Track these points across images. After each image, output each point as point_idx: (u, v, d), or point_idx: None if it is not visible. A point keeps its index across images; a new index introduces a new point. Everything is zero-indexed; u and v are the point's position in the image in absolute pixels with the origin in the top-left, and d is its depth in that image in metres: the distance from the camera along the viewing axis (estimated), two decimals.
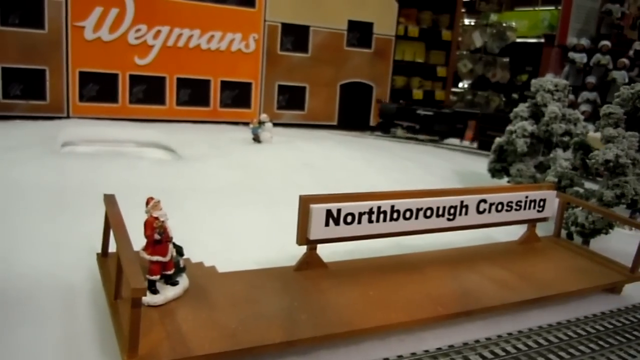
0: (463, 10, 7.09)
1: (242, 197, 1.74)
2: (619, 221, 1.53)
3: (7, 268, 1.18)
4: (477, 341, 1.02)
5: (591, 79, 4.64)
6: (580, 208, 1.65)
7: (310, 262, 1.20)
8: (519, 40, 7.27)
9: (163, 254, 0.97)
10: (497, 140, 2.26)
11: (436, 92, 6.78)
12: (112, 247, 1.12)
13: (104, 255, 1.15)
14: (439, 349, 0.98)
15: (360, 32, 4.21)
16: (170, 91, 3.56)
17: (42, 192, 1.57)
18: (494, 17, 7.30)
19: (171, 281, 1.00)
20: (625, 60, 4.48)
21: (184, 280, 1.03)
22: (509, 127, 2.18)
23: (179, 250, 1.03)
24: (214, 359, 0.87)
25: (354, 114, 4.25)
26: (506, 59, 7.28)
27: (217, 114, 3.71)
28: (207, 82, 3.69)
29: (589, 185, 1.85)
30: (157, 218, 0.96)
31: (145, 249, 0.97)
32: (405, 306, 1.09)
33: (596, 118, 4.22)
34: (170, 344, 0.86)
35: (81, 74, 3.29)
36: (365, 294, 1.12)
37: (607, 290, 1.39)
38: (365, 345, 0.99)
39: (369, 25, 4.24)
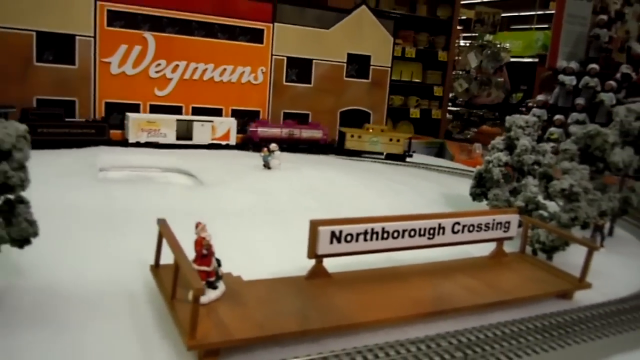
0: (460, 27, 7.38)
1: (258, 218, 2.03)
2: (572, 240, 1.82)
3: (76, 276, 1.46)
4: (447, 332, 1.31)
5: (580, 101, 4.93)
6: (542, 229, 1.94)
7: (317, 273, 1.49)
8: (513, 59, 7.56)
9: (208, 265, 1.26)
10: (477, 168, 2.56)
11: (433, 111, 7.07)
12: (162, 260, 1.41)
13: (156, 266, 1.43)
14: (418, 337, 1.26)
15: (358, 64, 4.53)
16: None
17: (93, 214, 1.85)
18: (488, 38, 7.53)
19: (213, 286, 1.28)
20: (613, 83, 4.77)
21: (221, 286, 1.31)
22: (487, 157, 2.48)
23: (219, 262, 1.31)
24: (248, 342, 1.15)
25: None
26: (501, 79, 7.59)
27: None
28: (220, 110, 4.00)
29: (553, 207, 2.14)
30: (204, 238, 1.26)
31: (194, 261, 1.26)
32: (393, 307, 1.38)
33: None
34: (217, 331, 1.14)
35: (107, 104, 3.60)
36: (361, 297, 1.41)
37: (560, 296, 1.68)
38: (362, 335, 1.28)
39: (367, 58, 4.55)
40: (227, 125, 3.79)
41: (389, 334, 1.29)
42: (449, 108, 7.47)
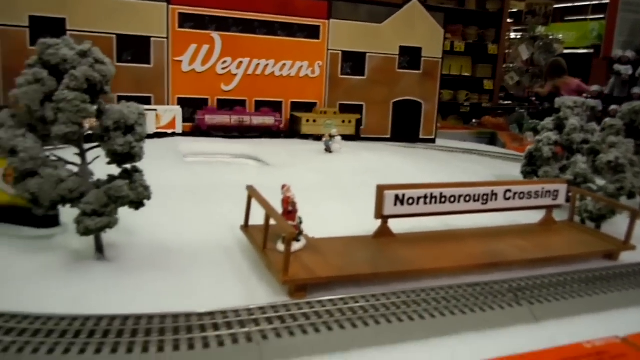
0: (510, 20, 7.30)
1: (324, 193, 2.26)
2: (617, 207, 1.94)
3: (178, 235, 1.72)
4: (500, 280, 1.48)
5: (637, 90, 4.85)
6: (590, 199, 2.07)
7: (383, 232, 1.69)
8: (567, 51, 7.39)
9: (293, 220, 1.49)
10: (528, 148, 2.69)
11: (483, 105, 7.08)
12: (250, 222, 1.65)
13: (246, 226, 1.68)
14: (473, 282, 1.44)
15: (410, 56, 4.67)
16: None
17: (184, 188, 2.12)
18: (541, 30, 7.44)
19: (297, 239, 1.51)
20: None
21: (303, 240, 1.54)
22: (537, 137, 2.61)
23: (300, 220, 1.54)
24: (330, 280, 1.37)
25: (405, 128, 4.71)
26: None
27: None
28: (280, 103, 4.25)
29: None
30: (289, 197, 1.48)
31: (284, 215, 1.49)
32: (450, 258, 1.57)
33: None
34: (304, 271, 1.37)
35: (179, 99, 3.91)
36: (422, 252, 1.60)
37: (606, 257, 1.82)
38: (424, 280, 1.47)
39: (418, 50, 4.69)
40: (172, 113, 3.68)
41: (447, 281, 1.48)
42: (500, 102, 7.45)
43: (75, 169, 1.42)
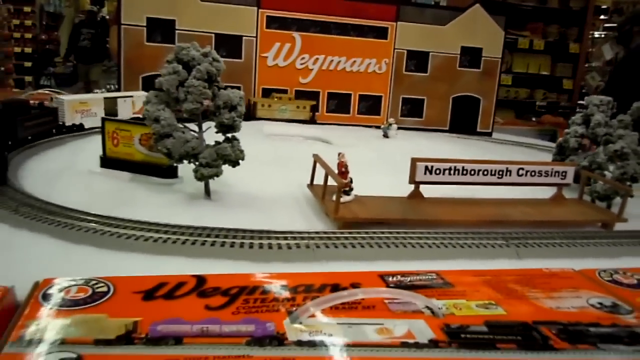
0: (598, 17, 7.12)
1: (376, 167, 2.74)
2: (616, 187, 2.29)
3: (262, 189, 2.26)
4: (499, 232, 1.91)
5: None
6: (599, 182, 2.42)
7: (415, 194, 2.15)
8: None
9: (345, 178, 1.98)
10: (559, 140, 3.03)
11: (561, 104, 7.10)
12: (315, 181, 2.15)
13: (311, 184, 2.19)
14: (478, 231, 1.88)
15: (470, 56, 5.02)
16: (323, 102, 4.67)
17: (266, 158, 2.67)
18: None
19: (347, 193, 2.00)
20: None
21: (352, 194, 2.03)
22: (566, 130, 2.95)
23: (351, 179, 2.03)
24: (368, 220, 1.86)
25: (463, 121, 5.07)
26: None
27: (355, 119, 4.75)
28: (349, 95, 4.74)
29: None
30: (343, 161, 1.98)
31: (338, 175, 1.99)
32: (465, 215, 2.01)
33: None
34: (350, 213, 1.86)
35: (263, 89, 4.51)
36: (444, 209, 2.05)
37: (603, 226, 2.18)
38: (440, 227, 1.92)
39: (479, 50, 5.03)
40: (141, 99, 3.86)
41: (458, 229, 1.92)
42: (578, 102, 7.43)
43: (196, 135, 1.99)
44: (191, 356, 0.93)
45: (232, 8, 4.31)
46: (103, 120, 2.32)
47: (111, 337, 0.97)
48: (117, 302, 1.10)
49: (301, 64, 4.53)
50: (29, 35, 10.97)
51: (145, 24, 4.17)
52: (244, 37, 4.39)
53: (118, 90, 4.19)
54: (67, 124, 3.14)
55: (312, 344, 0.98)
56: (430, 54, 4.88)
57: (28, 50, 10.90)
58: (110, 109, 3.40)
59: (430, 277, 1.36)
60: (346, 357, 0.95)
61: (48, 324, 0.99)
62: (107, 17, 9.50)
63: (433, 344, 1.02)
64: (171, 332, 0.99)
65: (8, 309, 1.11)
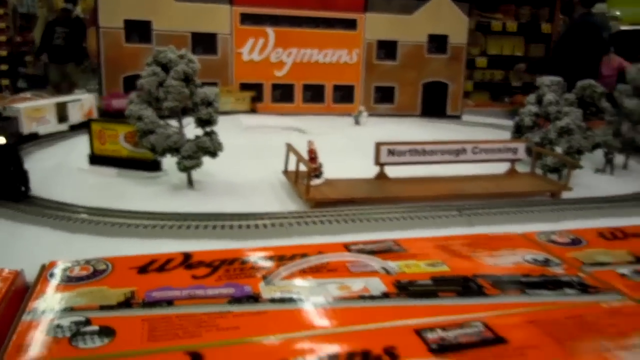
0: None
1: (348, 152, 2.91)
2: (564, 160, 2.49)
3: (241, 177, 2.42)
4: (454, 204, 2.10)
5: None
6: (549, 156, 2.62)
7: (381, 175, 2.34)
8: (630, 27, 7.23)
9: (315, 163, 2.16)
10: (516, 119, 3.23)
11: (513, 84, 7.16)
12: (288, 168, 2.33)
13: (285, 171, 2.37)
14: (436, 204, 2.07)
15: (437, 43, 5.20)
16: (298, 93, 4.83)
17: (245, 148, 2.84)
18: (601, 6, 6.97)
19: (317, 176, 2.18)
20: None
21: (322, 177, 2.21)
22: (521, 109, 3.15)
23: (321, 164, 2.21)
24: (336, 200, 2.04)
25: (433, 105, 5.26)
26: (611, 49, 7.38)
27: (329, 109, 4.91)
28: (323, 86, 4.91)
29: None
30: (312, 148, 2.15)
31: (308, 160, 2.16)
32: (425, 190, 2.20)
33: None
34: (320, 194, 2.04)
35: (240, 84, 4.65)
36: (406, 187, 2.24)
37: (552, 195, 2.39)
38: (402, 203, 2.11)
39: (445, 37, 5.21)
40: (89, 102, 3.62)
41: (418, 203, 2.11)
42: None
43: (177, 130, 2.14)
44: (181, 314, 1.10)
45: (206, 7, 4.43)
46: (89, 121, 2.46)
47: (113, 303, 1.13)
48: (115, 277, 1.27)
49: (275, 57, 4.68)
50: (3, 38, 10.87)
51: (122, 26, 4.28)
52: (218, 35, 4.52)
53: (99, 91, 4.30)
54: (24, 133, 2.92)
55: (282, 300, 1.16)
56: (399, 42, 5.05)
57: (3, 53, 10.80)
58: (62, 113, 3.27)
59: (387, 244, 1.54)
60: (311, 309, 1.13)
61: (57, 297, 1.16)
62: (82, 16, 9.27)
63: (385, 295, 1.21)
64: (164, 297, 1.17)
65: (20, 289, 1.27)
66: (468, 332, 1.10)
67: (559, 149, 2.76)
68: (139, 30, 4.31)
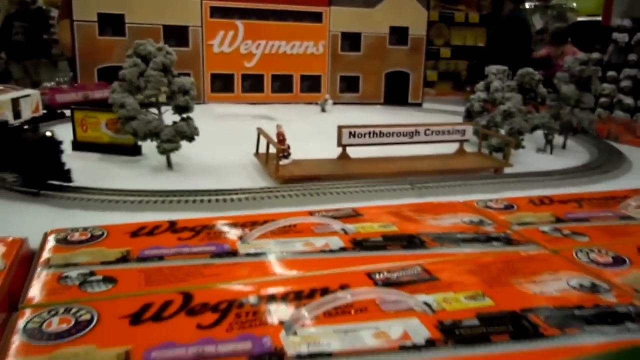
0: None
1: (314, 137, 3.12)
2: (505, 140, 2.75)
3: (214, 160, 2.60)
4: (407, 180, 2.34)
5: (632, 57, 4.94)
6: (493, 137, 2.88)
7: (343, 155, 2.56)
8: (586, 19, 7.49)
9: (283, 145, 2.36)
10: (467, 105, 3.49)
11: (463, 74, 7.44)
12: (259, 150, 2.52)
13: (256, 153, 2.56)
14: (390, 180, 2.30)
15: (398, 35, 5.43)
16: (267, 83, 5.01)
17: (218, 134, 3.02)
18: None
19: (286, 157, 2.38)
20: None
21: (290, 158, 2.41)
22: (471, 96, 3.41)
23: (289, 146, 2.41)
24: (302, 177, 2.25)
25: (396, 94, 5.50)
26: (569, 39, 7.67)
27: (297, 97, 5.11)
28: (291, 76, 5.09)
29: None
30: (281, 131, 2.35)
31: (277, 143, 2.36)
32: (386, 168, 2.43)
33: (637, 92, 4.77)
34: (288, 172, 2.25)
35: (212, 75, 4.80)
36: (365, 165, 2.47)
37: (495, 171, 2.65)
38: (366, 179, 2.33)
39: (406, 29, 5.45)
40: (35, 97, 3.45)
41: (374, 179, 2.34)
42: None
43: (156, 117, 2.31)
44: (171, 266, 1.30)
45: (177, 0, 4.56)
46: (72, 109, 2.60)
47: (112, 259, 1.33)
48: (111, 240, 1.45)
49: (245, 49, 4.84)
50: None
51: (96, 19, 4.38)
52: (190, 27, 4.65)
53: (74, 83, 4.38)
54: None
55: (256, 254, 1.37)
56: (362, 34, 5.27)
57: None
58: (15, 109, 3.14)
59: (346, 211, 1.77)
60: (279, 261, 1.34)
61: (62, 256, 1.34)
62: (45, 7, 8.83)
63: (342, 249, 1.43)
64: (155, 254, 1.36)
65: (26, 254, 1.44)
66: (408, 273, 1.34)
67: (503, 131, 3.03)
68: (112, 23, 4.41)
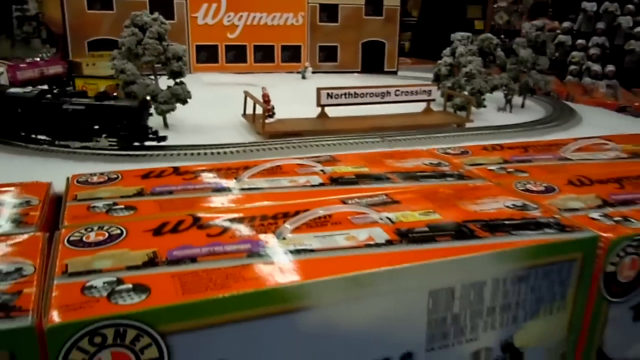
0: None
1: (295, 100, 3.34)
2: (467, 99, 3.01)
3: (206, 120, 2.82)
4: (378, 134, 2.59)
5: (600, 25, 5.07)
6: (456, 97, 3.14)
7: (322, 114, 2.80)
8: None
9: (268, 105, 2.59)
10: (434, 69, 3.73)
11: None
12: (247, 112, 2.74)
13: (244, 114, 2.79)
14: (364, 134, 2.55)
15: (374, 5, 5.60)
16: (250, 54, 5.17)
17: (208, 99, 3.22)
18: None
19: (270, 116, 2.61)
20: (631, 7, 4.90)
21: (274, 117, 2.64)
22: (439, 61, 3.65)
23: (273, 106, 2.64)
24: (286, 133, 2.49)
25: (372, 62, 5.70)
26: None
27: (279, 67, 5.28)
28: (272, 46, 5.26)
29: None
30: (266, 93, 2.58)
31: (263, 103, 2.59)
32: (360, 125, 2.67)
33: (604, 59, 4.96)
34: (273, 129, 2.48)
35: (197, 46, 4.95)
36: (342, 123, 2.71)
37: (458, 126, 2.91)
38: (343, 135, 2.58)
39: (380, 0, 5.61)
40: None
41: (361, 134, 2.59)
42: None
43: (153, 81, 2.52)
44: (180, 198, 1.54)
45: None
46: (74, 77, 2.78)
47: (130, 194, 1.56)
48: (126, 181, 1.69)
49: (228, 21, 4.98)
50: None
51: None
52: (175, 1, 4.77)
53: (64, 57, 4.50)
54: None
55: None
56: (339, 5, 5.43)
57: None
58: None
59: (325, 157, 2.02)
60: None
61: (87, 192, 1.58)
62: None
63: (322, 185, 1.68)
64: (164, 190, 1.60)
65: (53, 196, 1.68)
66: (375, 200, 1.60)
67: (466, 92, 3.28)
68: None
